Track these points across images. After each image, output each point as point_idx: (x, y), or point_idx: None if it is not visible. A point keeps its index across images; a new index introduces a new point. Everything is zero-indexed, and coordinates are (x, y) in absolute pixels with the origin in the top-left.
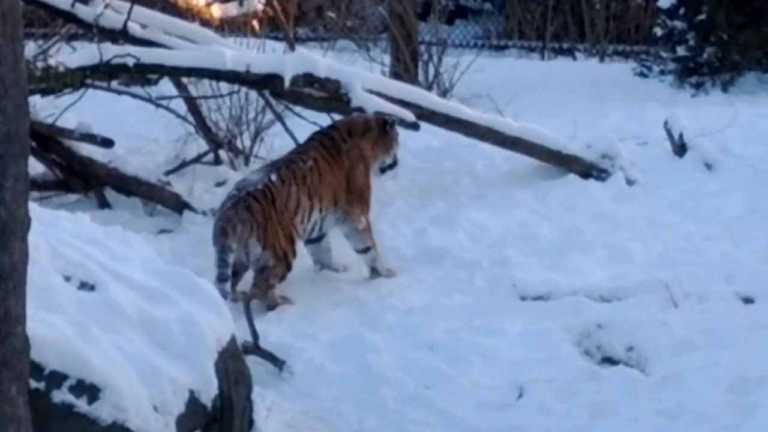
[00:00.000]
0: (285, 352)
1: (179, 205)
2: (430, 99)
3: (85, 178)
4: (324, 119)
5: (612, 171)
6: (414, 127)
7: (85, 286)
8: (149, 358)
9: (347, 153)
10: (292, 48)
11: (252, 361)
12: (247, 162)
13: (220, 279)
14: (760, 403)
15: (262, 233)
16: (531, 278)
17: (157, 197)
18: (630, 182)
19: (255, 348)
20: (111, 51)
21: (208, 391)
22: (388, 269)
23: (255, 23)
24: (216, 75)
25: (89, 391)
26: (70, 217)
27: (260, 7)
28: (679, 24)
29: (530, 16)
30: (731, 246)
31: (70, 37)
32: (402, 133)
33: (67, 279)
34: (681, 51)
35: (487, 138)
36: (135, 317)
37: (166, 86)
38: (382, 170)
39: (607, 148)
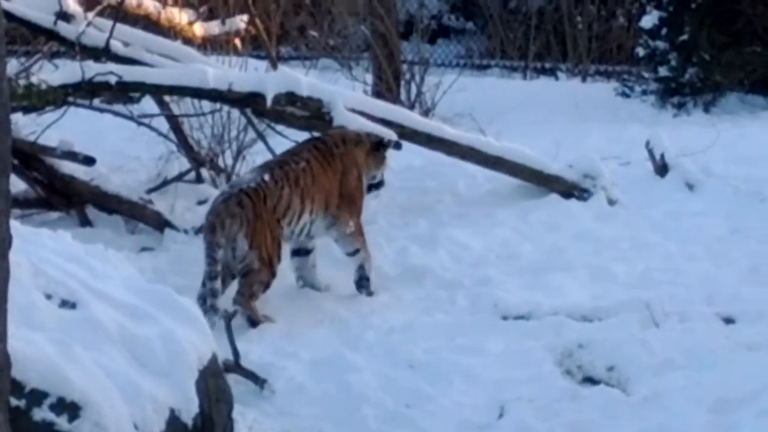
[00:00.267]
0: (266, 371)
1: (161, 224)
2: (412, 118)
3: (66, 196)
4: (306, 138)
5: (594, 191)
6: (396, 146)
7: (66, 303)
8: (130, 376)
9: (340, 157)
10: (274, 67)
11: (233, 380)
12: (228, 180)
13: (210, 277)
14: (741, 423)
15: (251, 231)
16: (512, 297)
17: (139, 215)
18: (612, 202)
19: (236, 366)
20: (93, 69)
21: (189, 409)
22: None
23: (237, 42)
24: (198, 93)
25: (70, 409)
26: (51, 235)
27: (242, 25)
28: (661, 44)
29: (513, 36)
30: (712, 266)
31: (53, 55)
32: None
33: (49, 297)
34: (663, 71)
35: (469, 157)
36: (116, 335)
37: (148, 104)
38: (369, 188)
39: (588, 168)
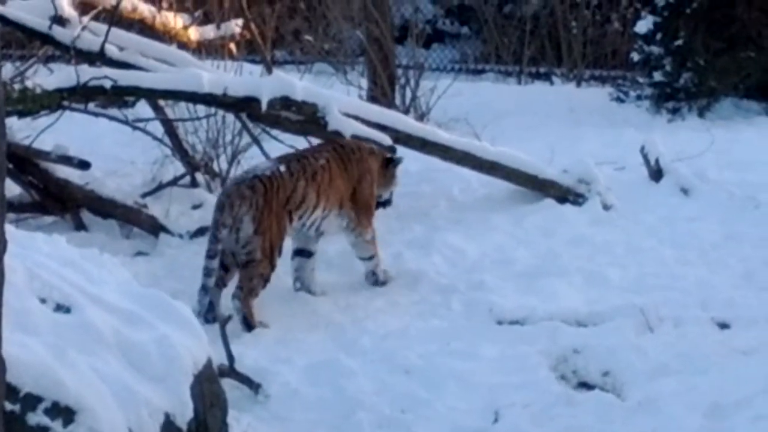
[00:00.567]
0: (261, 376)
1: (155, 228)
2: (407, 123)
3: (61, 200)
4: (301, 143)
5: (588, 196)
6: (391, 150)
7: (61, 308)
8: (125, 381)
9: (357, 162)
10: (269, 71)
11: (228, 384)
12: (223, 185)
13: (208, 255)
14: (736, 428)
15: (259, 216)
16: (507, 302)
17: (134, 220)
18: (606, 207)
19: (231, 371)
20: (88, 73)
21: (184, 413)
22: (385, 271)
23: (232, 46)
24: (193, 98)
25: (65, 413)
26: (46, 239)
27: (237, 29)
28: (656, 49)
29: (507, 41)
30: (707, 271)
31: (48, 59)
32: None
33: (43, 301)
34: (658, 76)
35: (464, 162)
36: (111, 340)
37: (143, 108)
38: (377, 205)
39: (583, 172)
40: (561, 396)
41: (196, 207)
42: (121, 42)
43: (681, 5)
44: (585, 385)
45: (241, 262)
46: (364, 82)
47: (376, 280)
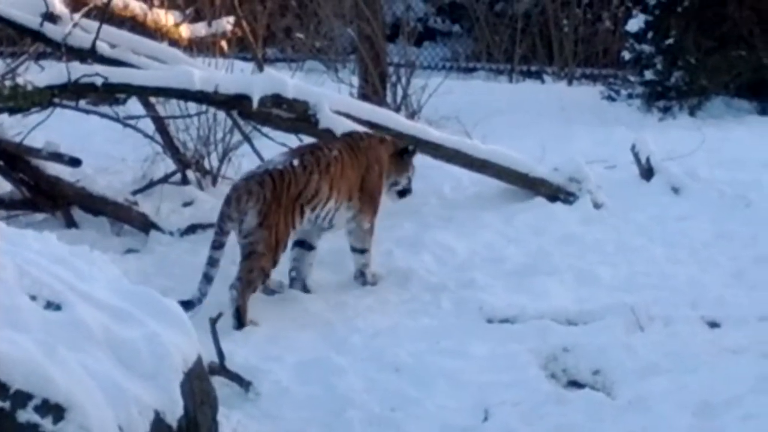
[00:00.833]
0: (251, 373)
1: (146, 225)
2: (398, 120)
3: (52, 197)
4: (292, 140)
5: (579, 194)
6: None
7: (51, 305)
8: (115, 378)
9: (365, 151)
10: (260, 69)
11: (218, 382)
12: (214, 182)
13: (213, 246)
14: (726, 427)
15: (265, 209)
16: (497, 301)
17: (124, 217)
18: (597, 205)
19: (221, 369)
20: (79, 70)
21: (174, 411)
22: (374, 273)
23: (223, 43)
24: (184, 95)
25: (55, 410)
26: (36, 237)
27: (229, 27)
28: (647, 48)
29: (499, 39)
30: (697, 270)
31: (39, 56)
32: None
33: (33, 298)
34: (649, 75)
35: (454, 160)
36: (101, 337)
37: (134, 106)
38: (399, 194)
39: (574, 171)
40: (551, 394)
41: (186, 204)
42: (113, 39)
43: (672, 4)
44: (575, 384)
45: (244, 253)
46: (356, 80)
47: (364, 281)
